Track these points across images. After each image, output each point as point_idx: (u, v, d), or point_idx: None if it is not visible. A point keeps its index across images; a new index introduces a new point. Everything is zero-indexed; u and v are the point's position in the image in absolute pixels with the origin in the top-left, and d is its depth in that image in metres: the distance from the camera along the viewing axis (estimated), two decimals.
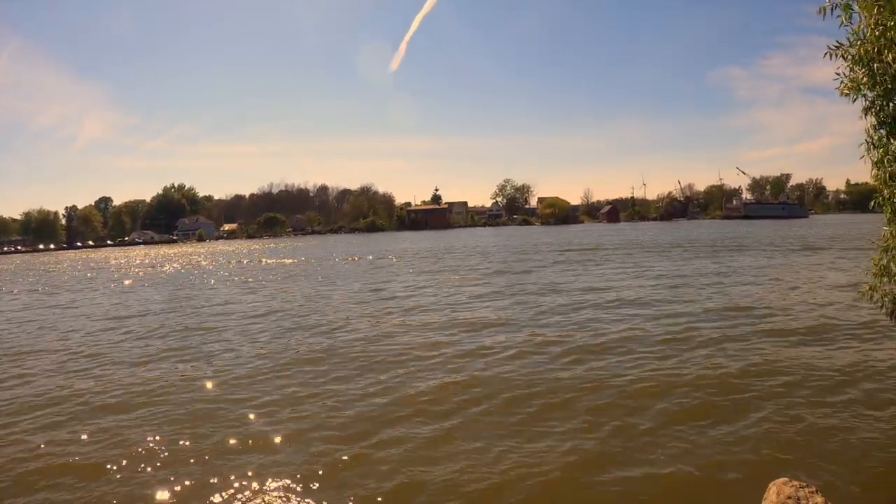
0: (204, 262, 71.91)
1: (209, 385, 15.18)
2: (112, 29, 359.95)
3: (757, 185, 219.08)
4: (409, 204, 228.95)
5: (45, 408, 13.68)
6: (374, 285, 35.74)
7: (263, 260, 69.52)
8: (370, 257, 64.36)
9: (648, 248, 58.18)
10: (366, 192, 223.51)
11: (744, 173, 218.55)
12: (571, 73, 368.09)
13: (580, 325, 20.31)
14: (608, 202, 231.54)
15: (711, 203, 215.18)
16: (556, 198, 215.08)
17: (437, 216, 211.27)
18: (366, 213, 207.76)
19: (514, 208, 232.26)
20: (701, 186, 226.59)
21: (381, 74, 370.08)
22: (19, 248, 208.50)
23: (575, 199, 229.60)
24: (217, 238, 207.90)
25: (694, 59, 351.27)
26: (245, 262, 68.36)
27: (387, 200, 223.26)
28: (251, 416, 12.56)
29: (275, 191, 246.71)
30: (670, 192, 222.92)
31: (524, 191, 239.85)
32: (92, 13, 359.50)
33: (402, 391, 13.79)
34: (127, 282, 49.39)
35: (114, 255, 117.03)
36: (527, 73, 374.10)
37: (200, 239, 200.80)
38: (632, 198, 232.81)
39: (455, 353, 17.13)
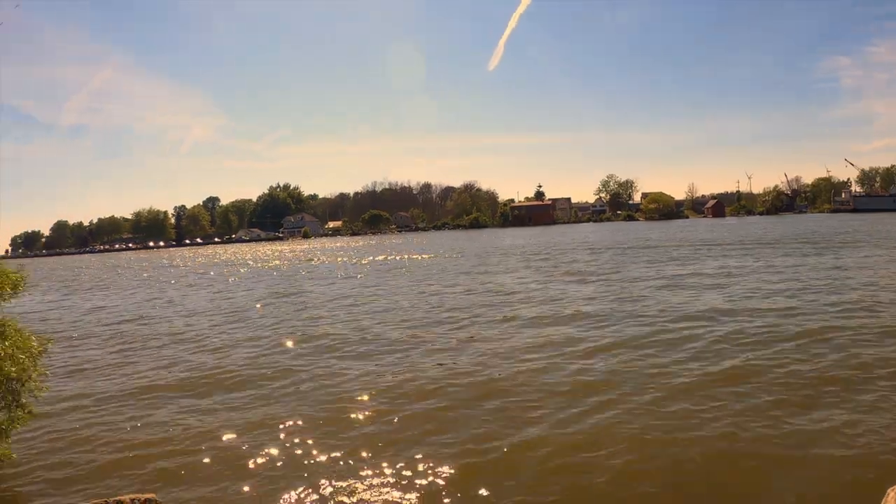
0: (327, 259, 73.07)
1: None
2: (211, 39, 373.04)
3: (866, 177, 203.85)
4: (512, 200, 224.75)
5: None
6: (484, 280, 32.60)
7: (371, 258, 69.02)
8: (474, 254, 60.82)
9: (768, 243, 52.20)
10: (469, 190, 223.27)
11: (852, 165, 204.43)
12: (671, 66, 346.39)
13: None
14: (713, 196, 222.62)
15: (819, 196, 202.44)
16: (661, 193, 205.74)
17: (540, 212, 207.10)
18: (469, 210, 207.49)
19: (617, 204, 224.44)
20: (808, 179, 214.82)
21: (480, 73, 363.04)
22: (131, 245, 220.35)
23: (679, 194, 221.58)
24: (322, 235, 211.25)
25: (797, 48, 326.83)
26: (358, 260, 68.65)
27: (490, 197, 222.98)
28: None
29: (378, 189, 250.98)
30: (776, 186, 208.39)
31: (627, 186, 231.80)
32: (192, 24, 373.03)
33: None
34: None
35: (230, 252, 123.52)
36: (627, 67, 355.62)
37: (306, 236, 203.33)
38: (737, 192, 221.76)
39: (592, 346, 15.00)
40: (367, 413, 10.54)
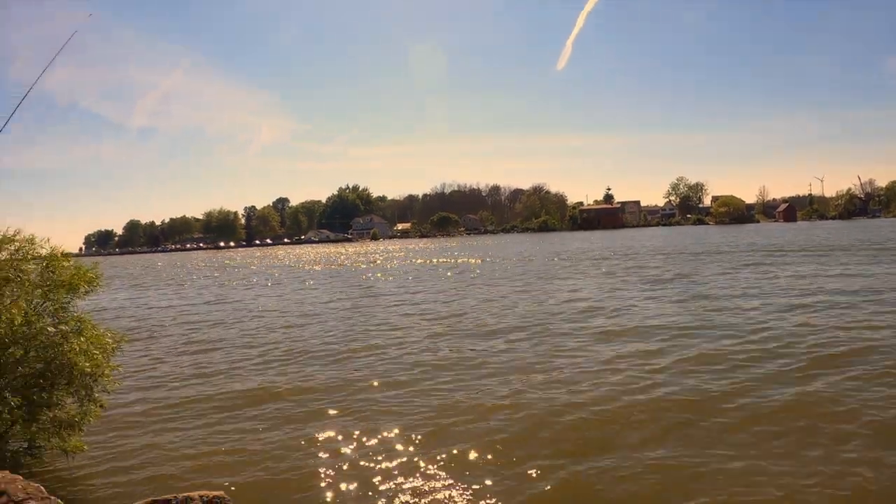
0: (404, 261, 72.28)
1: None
2: (280, 41, 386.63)
3: None
4: (580, 203, 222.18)
5: None
6: (556, 286, 31.70)
7: (441, 260, 68.46)
8: (544, 257, 59.95)
9: (845, 249, 49.09)
10: (538, 192, 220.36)
11: None
12: (741, 66, 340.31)
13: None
14: (784, 200, 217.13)
15: (893, 200, 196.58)
16: (731, 196, 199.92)
17: (609, 216, 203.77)
18: (538, 212, 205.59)
19: (687, 207, 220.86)
20: (882, 182, 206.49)
21: (548, 73, 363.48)
22: (201, 245, 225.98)
23: (749, 198, 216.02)
24: (391, 237, 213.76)
25: (870, 47, 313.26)
26: (427, 261, 68.33)
27: (559, 200, 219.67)
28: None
29: (447, 191, 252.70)
30: (849, 189, 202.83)
31: (697, 189, 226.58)
32: (261, 27, 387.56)
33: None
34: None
35: (299, 252, 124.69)
36: (696, 67, 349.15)
37: (374, 238, 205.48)
38: (809, 195, 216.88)
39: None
40: (452, 429, 10.23)
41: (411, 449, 9.29)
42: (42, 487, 5.75)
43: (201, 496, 5.92)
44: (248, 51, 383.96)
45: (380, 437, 9.83)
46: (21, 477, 5.84)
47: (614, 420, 10.19)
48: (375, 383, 13.25)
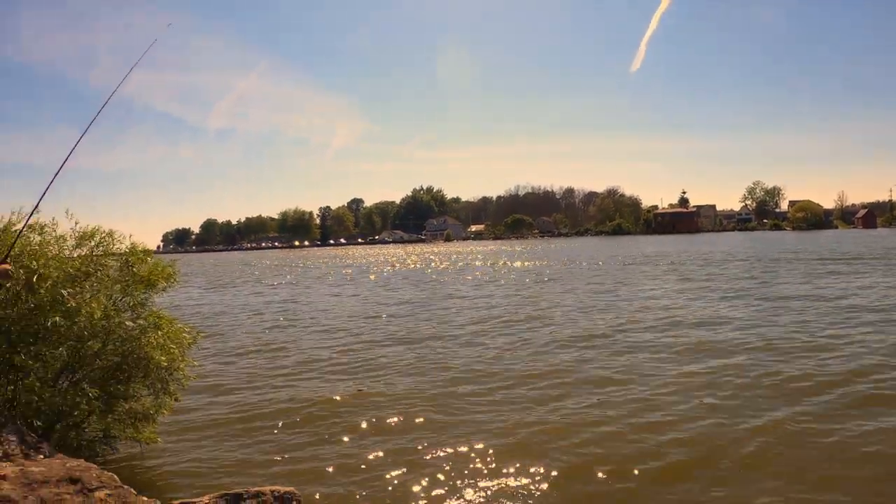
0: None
1: None
2: (354, 45, 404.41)
3: None
4: (655, 207, 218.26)
5: None
6: (633, 293, 30.98)
7: (516, 263, 67.63)
8: (620, 261, 58.62)
9: None
10: (612, 195, 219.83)
11: None
12: (819, 67, 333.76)
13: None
14: (863, 206, 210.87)
15: None
16: (808, 201, 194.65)
17: (684, 220, 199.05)
18: (612, 215, 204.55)
19: (763, 212, 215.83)
20: None
21: (622, 75, 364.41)
22: (276, 244, 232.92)
23: (827, 203, 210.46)
24: (464, 239, 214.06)
25: None
26: (502, 263, 67.59)
27: (633, 203, 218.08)
28: None
29: (521, 193, 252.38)
30: None
31: (774, 193, 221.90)
32: (335, 30, 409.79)
33: None
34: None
35: (374, 252, 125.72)
36: (773, 68, 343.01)
37: (448, 239, 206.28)
38: (889, 200, 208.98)
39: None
40: (534, 444, 9.88)
41: (484, 462, 9.13)
42: (115, 476, 5.97)
43: (272, 491, 6.04)
44: (323, 53, 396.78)
45: (454, 449, 9.65)
46: (96, 466, 6.09)
47: (717, 453, 9.15)
48: (448, 392, 13.12)
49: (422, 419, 11.01)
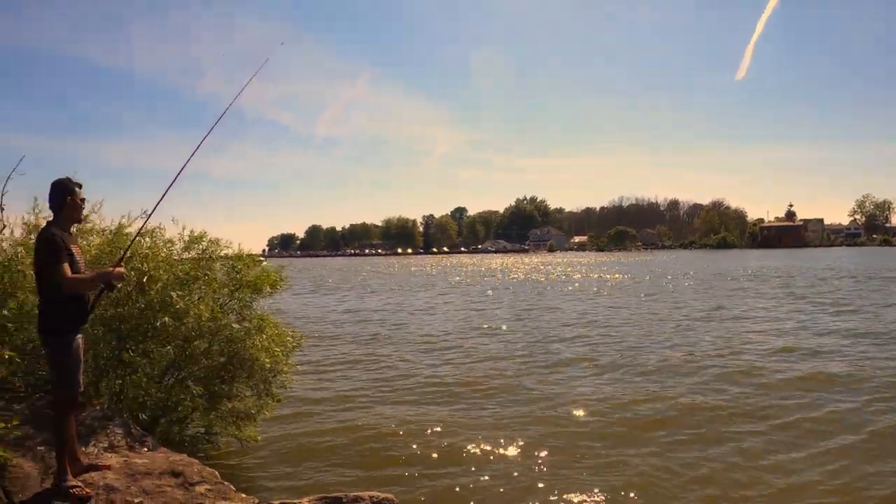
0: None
1: None
2: (458, 54, 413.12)
3: None
4: (761, 220, 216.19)
5: None
6: (741, 309, 30.32)
7: (621, 275, 68.10)
8: (728, 276, 56.56)
9: None
10: (717, 207, 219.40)
11: None
12: None
13: None
14: None
15: None
16: None
17: (791, 234, 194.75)
18: (717, 228, 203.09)
19: (873, 227, 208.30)
20: None
21: (726, 83, 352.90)
22: (379, 251, 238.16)
23: None
24: (567, 250, 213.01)
25: None
26: (607, 276, 67.63)
27: (738, 216, 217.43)
28: None
29: (625, 204, 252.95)
30: None
31: (884, 207, 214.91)
32: (439, 40, 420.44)
33: None
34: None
35: (477, 261, 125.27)
36: (881, 74, 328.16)
37: (551, 250, 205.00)
38: None
39: None
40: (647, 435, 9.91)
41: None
42: (216, 472, 6.19)
43: (371, 496, 6.10)
44: (426, 64, 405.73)
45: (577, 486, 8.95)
46: (197, 461, 6.35)
47: None
48: (570, 421, 12.23)
49: (545, 452, 10.01)
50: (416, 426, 11.41)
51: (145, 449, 6.62)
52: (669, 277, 56.36)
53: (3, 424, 5.56)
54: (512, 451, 10.09)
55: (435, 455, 9.90)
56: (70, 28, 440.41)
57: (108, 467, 5.87)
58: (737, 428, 10.97)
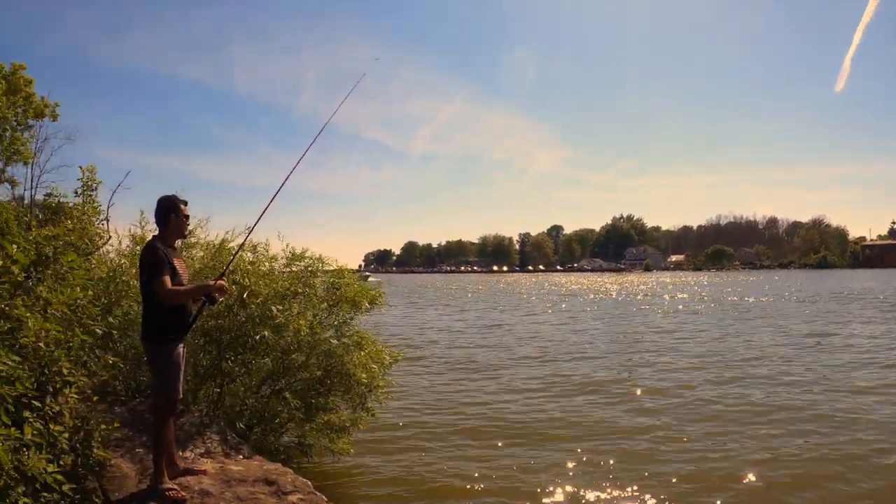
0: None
1: None
2: (554, 73, 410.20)
3: None
4: (863, 238, 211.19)
5: None
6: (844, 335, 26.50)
7: (725, 296, 65.06)
8: (830, 297, 52.63)
9: None
10: (817, 226, 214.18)
11: None
12: None
13: None
14: None
15: None
16: None
17: (894, 253, 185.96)
18: (817, 247, 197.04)
19: None
20: None
21: (825, 95, 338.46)
22: (475, 268, 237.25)
23: None
24: (663, 269, 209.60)
25: None
26: (710, 296, 64.97)
27: (839, 234, 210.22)
28: None
29: (723, 222, 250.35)
30: None
31: None
32: (532, 60, 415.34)
33: None
34: None
35: (574, 279, 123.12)
36: None
37: (647, 269, 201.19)
38: None
39: None
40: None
41: None
42: (309, 483, 6.25)
43: None
44: (525, 82, 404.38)
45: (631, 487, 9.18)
46: (291, 470, 6.43)
47: None
48: (647, 427, 12.39)
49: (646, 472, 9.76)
50: (518, 443, 11.24)
51: (240, 456, 6.78)
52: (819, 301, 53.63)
53: (105, 426, 5.77)
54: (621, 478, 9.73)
55: (533, 474, 9.66)
56: (179, 49, 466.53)
57: (204, 472, 6.02)
58: None
